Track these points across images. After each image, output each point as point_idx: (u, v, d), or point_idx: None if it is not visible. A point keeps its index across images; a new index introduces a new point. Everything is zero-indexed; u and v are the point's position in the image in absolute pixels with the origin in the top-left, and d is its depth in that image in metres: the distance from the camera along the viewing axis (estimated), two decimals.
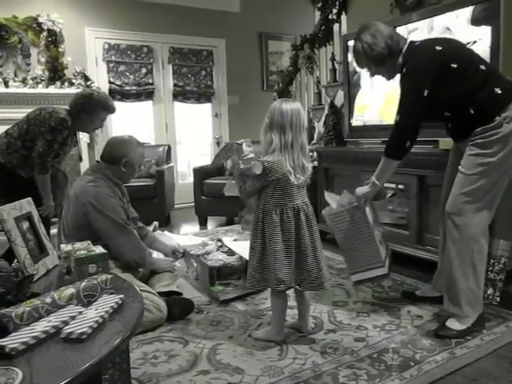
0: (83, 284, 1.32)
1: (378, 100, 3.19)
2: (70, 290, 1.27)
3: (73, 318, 1.16)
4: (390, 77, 2.13)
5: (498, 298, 2.26)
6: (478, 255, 1.96)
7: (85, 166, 4.77)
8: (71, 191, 2.37)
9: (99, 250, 1.56)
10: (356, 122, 3.41)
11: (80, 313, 1.19)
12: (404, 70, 1.98)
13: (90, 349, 1.05)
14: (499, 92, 1.87)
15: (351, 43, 3.32)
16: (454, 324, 2.00)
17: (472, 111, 1.90)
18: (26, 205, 1.70)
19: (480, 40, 2.45)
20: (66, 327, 1.11)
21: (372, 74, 2.15)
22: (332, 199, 2.34)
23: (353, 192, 2.19)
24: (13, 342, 1.02)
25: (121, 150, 2.37)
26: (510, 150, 1.87)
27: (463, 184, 1.94)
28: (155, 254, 2.64)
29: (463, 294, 1.97)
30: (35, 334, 1.06)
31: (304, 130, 1.91)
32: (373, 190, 2.10)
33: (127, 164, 2.37)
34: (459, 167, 1.97)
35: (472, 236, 1.94)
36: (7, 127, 2.73)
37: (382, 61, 2.01)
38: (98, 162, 2.43)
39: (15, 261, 1.56)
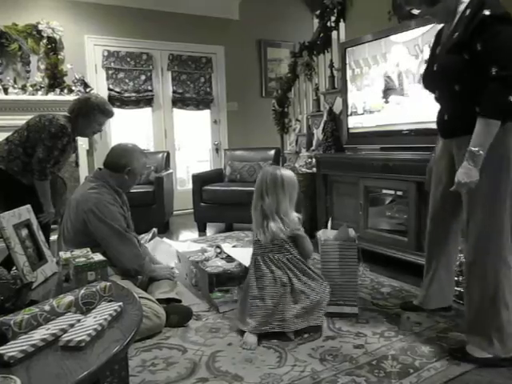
0: (82, 291, 1.31)
1: (377, 106, 3.21)
2: (68, 298, 1.27)
3: (71, 325, 1.16)
4: (441, 20, 1.95)
5: None
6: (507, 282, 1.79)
7: (83, 172, 4.78)
8: (72, 197, 2.38)
9: (98, 257, 1.56)
10: (354, 128, 3.43)
11: (78, 320, 1.19)
12: (489, 21, 1.64)
13: (88, 357, 1.05)
14: None
15: (349, 50, 3.39)
16: (474, 351, 1.83)
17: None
18: (25, 212, 1.70)
19: None
20: (65, 335, 1.11)
21: (423, 14, 1.95)
22: (330, 233, 2.40)
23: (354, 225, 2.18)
24: (11, 350, 1.02)
25: (125, 158, 2.38)
26: None
27: None
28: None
29: (496, 329, 1.78)
30: (34, 342, 1.06)
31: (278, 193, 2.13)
32: (478, 165, 1.68)
33: (130, 173, 2.38)
34: None
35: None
36: (7, 134, 2.73)
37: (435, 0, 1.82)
38: (100, 169, 2.43)
39: (14, 268, 1.55)
